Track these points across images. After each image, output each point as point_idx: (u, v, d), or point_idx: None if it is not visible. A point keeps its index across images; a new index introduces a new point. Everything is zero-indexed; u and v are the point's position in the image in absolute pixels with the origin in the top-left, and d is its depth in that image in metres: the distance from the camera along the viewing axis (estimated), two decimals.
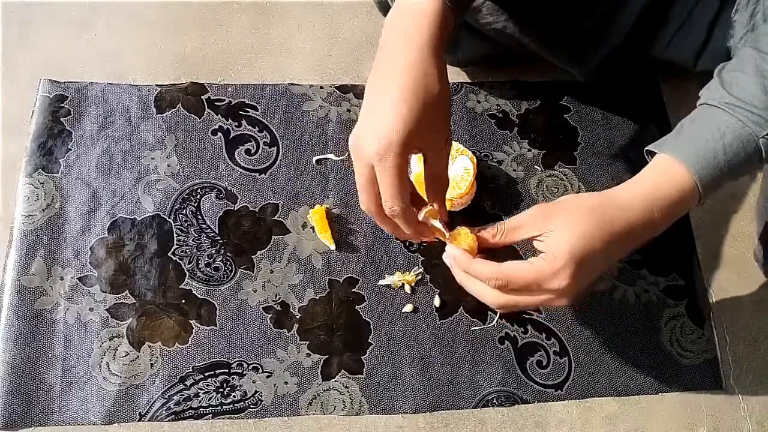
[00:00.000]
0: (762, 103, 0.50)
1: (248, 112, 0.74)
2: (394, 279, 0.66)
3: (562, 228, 0.49)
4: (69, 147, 0.70)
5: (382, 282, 0.66)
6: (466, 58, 0.76)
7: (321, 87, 0.75)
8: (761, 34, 0.55)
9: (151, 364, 0.62)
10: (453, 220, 0.69)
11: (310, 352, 0.64)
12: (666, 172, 0.51)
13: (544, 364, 0.65)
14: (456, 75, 0.79)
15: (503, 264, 0.50)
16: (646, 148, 0.54)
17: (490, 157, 0.74)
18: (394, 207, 0.49)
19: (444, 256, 0.53)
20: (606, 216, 0.50)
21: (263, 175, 0.71)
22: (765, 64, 0.51)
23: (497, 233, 0.52)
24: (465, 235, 0.53)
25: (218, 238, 0.67)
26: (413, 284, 0.67)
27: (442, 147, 0.52)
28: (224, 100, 0.74)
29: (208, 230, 0.68)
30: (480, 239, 0.52)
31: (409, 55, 0.49)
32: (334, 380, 0.63)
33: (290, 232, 0.68)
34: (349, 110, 0.74)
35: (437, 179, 0.54)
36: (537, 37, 0.68)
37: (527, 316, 0.67)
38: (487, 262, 0.51)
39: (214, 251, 0.67)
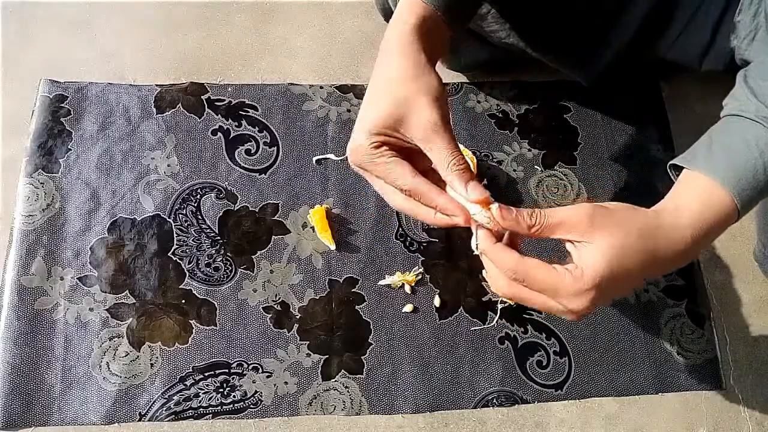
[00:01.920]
0: None
1: (248, 112, 0.74)
2: (394, 279, 0.66)
3: (603, 244, 0.45)
4: (69, 147, 0.70)
5: (382, 282, 0.66)
6: (469, 62, 0.76)
7: (321, 87, 0.76)
8: None
9: (151, 364, 0.62)
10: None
11: (310, 352, 0.64)
12: (709, 198, 0.47)
13: (544, 364, 0.65)
14: (456, 75, 0.79)
15: (525, 260, 0.46)
16: (671, 162, 0.51)
17: (490, 157, 0.74)
18: (403, 186, 0.47)
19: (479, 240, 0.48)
20: (654, 242, 0.46)
21: (263, 175, 0.71)
22: None
23: (535, 224, 0.46)
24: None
25: (218, 238, 0.67)
26: (413, 284, 0.67)
27: (425, 115, 0.47)
28: (224, 100, 0.74)
29: (208, 230, 0.68)
30: (515, 225, 0.47)
31: (390, 38, 0.49)
32: (334, 380, 0.63)
33: (290, 232, 0.68)
34: (349, 110, 0.74)
35: (429, 146, 0.48)
36: (542, 44, 0.68)
37: (527, 316, 0.67)
38: (509, 251, 0.47)
39: (214, 251, 0.67)
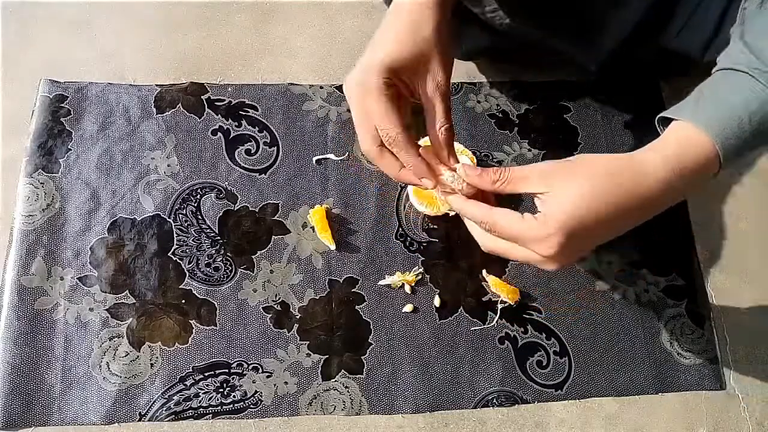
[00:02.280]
0: None
1: (248, 112, 0.74)
2: (394, 279, 0.66)
3: (565, 191, 0.46)
4: (69, 147, 0.70)
5: (382, 282, 0.66)
6: (470, 49, 0.76)
7: (321, 87, 0.75)
8: None
9: (151, 364, 0.62)
10: (453, 220, 0.69)
11: (310, 352, 0.64)
12: (688, 141, 0.47)
13: (544, 364, 0.65)
14: (456, 75, 0.78)
15: (495, 209, 0.48)
16: (659, 116, 0.50)
17: (490, 157, 0.74)
18: (390, 133, 0.48)
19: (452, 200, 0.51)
20: (624, 183, 0.46)
21: (263, 175, 0.71)
22: None
23: (498, 179, 0.48)
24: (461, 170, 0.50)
25: (218, 238, 0.67)
26: (413, 284, 0.67)
27: (439, 74, 0.50)
28: (224, 100, 0.74)
29: (208, 230, 0.68)
30: (479, 180, 0.49)
31: (421, 12, 0.49)
32: (334, 380, 0.63)
33: (290, 232, 0.68)
34: (349, 110, 0.74)
35: (431, 107, 0.51)
36: (543, 25, 0.67)
37: (527, 317, 0.67)
38: (479, 204, 0.49)
39: (214, 251, 0.67)
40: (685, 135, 0.47)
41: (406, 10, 0.49)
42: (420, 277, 0.67)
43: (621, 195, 0.46)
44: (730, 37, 0.60)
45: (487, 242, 0.50)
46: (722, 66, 0.50)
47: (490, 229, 0.48)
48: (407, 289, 0.67)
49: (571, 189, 0.46)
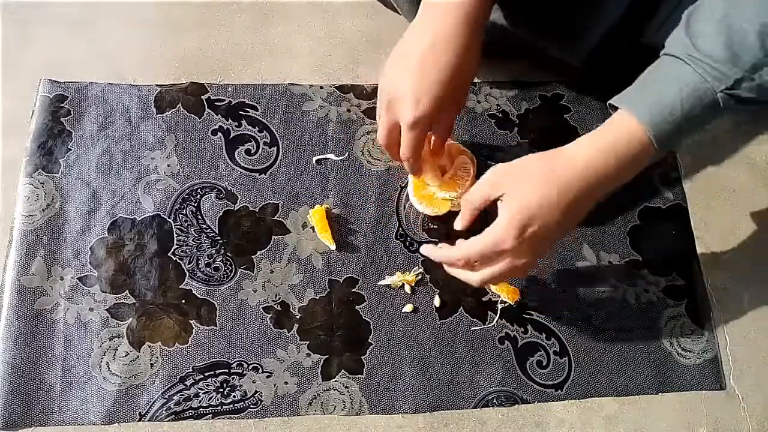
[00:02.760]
0: (723, 57, 0.48)
1: (248, 112, 0.74)
2: (394, 279, 0.66)
3: (510, 192, 0.53)
4: (69, 147, 0.70)
5: (382, 282, 0.67)
6: None
7: (321, 87, 0.75)
8: None
9: (151, 364, 0.62)
10: (453, 220, 0.69)
11: (310, 352, 0.64)
12: (622, 128, 0.51)
13: (544, 364, 0.65)
14: None
15: (460, 243, 0.56)
16: (609, 102, 0.54)
17: (490, 157, 0.74)
18: (410, 158, 0.60)
19: (421, 249, 0.61)
20: (557, 175, 0.52)
21: (263, 175, 0.71)
22: (733, 15, 0.49)
23: (460, 205, 0.58)
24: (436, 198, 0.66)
25: (218, 238, 0.67)
26: (413, 284, 0.67)
27: (454, 117, 0.63)
28: (224, 100, 0.74)
29: (208, 230, 0.68)
30: (446, 253, 0.58)
31: (455, 36, 0.55)
32: (334, 380, 0.63)
33: (290, 232, 0.68)
34: (349, 110, 0.74)
35: (438, 139, 0.64)
36: (528, 21, 0.68)
37: (527, 317, 0.67)
38: (447, 246, 0.57)
39: (214, 251, 0.67)
40: (619, 123, 0.52)
41: (453, 36, 0.55)
42: (420, 277, 0.67)
43: (558, 186, 0.52)
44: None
45: (472, 276, 0.56)
46: (666, 51, 0.52)
47: (466, 260, 0.55)
48: (407, 289, 0.67)
49: (515, 187, 0.53)
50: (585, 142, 0.53)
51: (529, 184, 0.53)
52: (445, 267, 0.59)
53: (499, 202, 0.54)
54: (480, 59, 0.58)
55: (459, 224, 0.59)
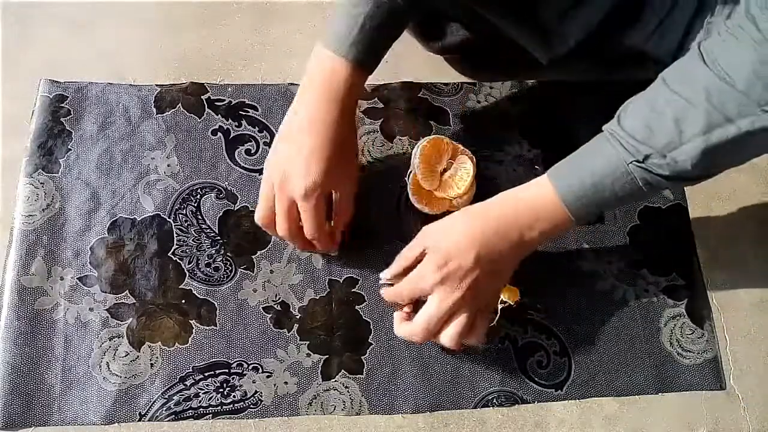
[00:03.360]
0: (641, 134, 0.52)
1: (248, 112, 0.74)
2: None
3: (432, 241, 0.58)
4: (69, 147, 0.70)
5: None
6: (446, 45, 0.76)
7: None
8: (674, 64, 0.55)
9: (151, 364, 0.62)
10: None
11: (310, 352, 0.64)
12: (537, 189, 0.57)
13: (544, 364, 0.65)
14: (456, 75, 0.79)
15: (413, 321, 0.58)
16: (549, 170, 0.58)
17: (490, 157, 0.74)
18: (315, 234, 0.60)
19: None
20: (471, 221, 0.57)
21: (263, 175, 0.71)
22: (659, 95, 0.53)
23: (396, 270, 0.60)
24: None
25: (218, 238, 0.67)
26: None
27: (350, 188, 0.63)
28: (224, 100, 0.74)
29: (208, 230, 0.68)
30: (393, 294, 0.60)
31: (330, 110, 0.59)
32: (334, 380, 0.63)
33: None
34: None
35: (343, 210, 0.63)
36: (505, 11, 0.67)
37: (527, 317, 0.67)
38: (407, 323, 0.59)
39: (214, 251, 0.67)
40: (539, 184, 0.57)
41: (329, 122, 0.59)
42: None
43: (467, 219, 0.58)
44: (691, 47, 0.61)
45: (412, 326, 0.58)
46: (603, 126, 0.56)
47: (402, 299, 0.59)
48: None
49: (438, 235, 0.58)
50: (502, 197, 0.58)
51: (448, 231, 0.58)
52: (395, 328, 0.61)
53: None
54: (356, 131, 0.63)
55: (386, 273, 0.61)
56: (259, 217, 0.62)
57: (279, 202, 0.60)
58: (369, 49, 0.59)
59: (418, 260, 0.58)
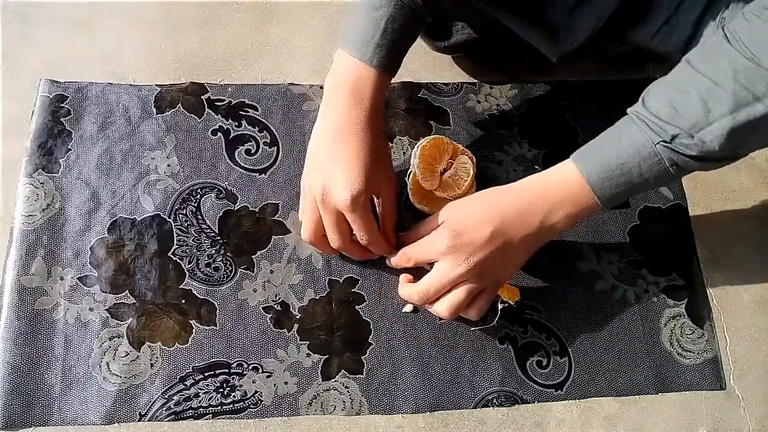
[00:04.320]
0: (666, 115, 0.52)
1: (248, 112, 0.74)
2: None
3: (449, 211, 0.59)
4: (69, 147, 0.70)
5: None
6: (452, 44, 0.76)
7: (321, 87, 0.75)
8: (699, 46, 0.56)
9: (151, 364, 0.62)
10: None
11: (310, 352, 0.64)
12: (563, 172, 0.57)
13: (544, 364, 0.65)
14: (456, 75, 0.79)
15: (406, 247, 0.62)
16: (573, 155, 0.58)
17: (490, 157, 0.74)
18: (370, 239, 0.60)
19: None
20: (489, 195, 0.59)
21: (263, 175, 0.71)
22: (683, 76, 0.53)
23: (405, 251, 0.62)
24: None
25: (218, 238, 0.67)
26: None
27: (390, 189, 0.63)
28: (224, 100, 0.74)
29: (208, 230, 0.68)
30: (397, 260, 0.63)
31: (359, 118, 0.59)
32: (334, 380, 0.63)
33: (290, 232, 0.68)
34: None
35: (388, 212, 0.64)
36: (511, 10, 0.68)
37: (527, 317, 0.67)
38: (408, 284, 0.62)
39: (214, 251, 0.67)
40: (565, 167, 0.57)
41: (360, 129, 0.59)
42: None
43: (484, 200, 0.58)
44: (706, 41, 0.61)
45: (411, 289, 0.60)
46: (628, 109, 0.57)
47: (409, 261, 0.61)
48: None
49: (455, 208, 0.59)
50: (526, 180, 0.59)
51: (468, 207, 0.59)
52: (399, 287, 0.64)
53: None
54: (385, 134, 0.63)
55: (401, 235, 0.64)
56: (307, 236, 0.63)
57: (326, 216, 0.60)
58: (392, 53, 0.59)
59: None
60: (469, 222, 0.56)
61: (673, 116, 0.51)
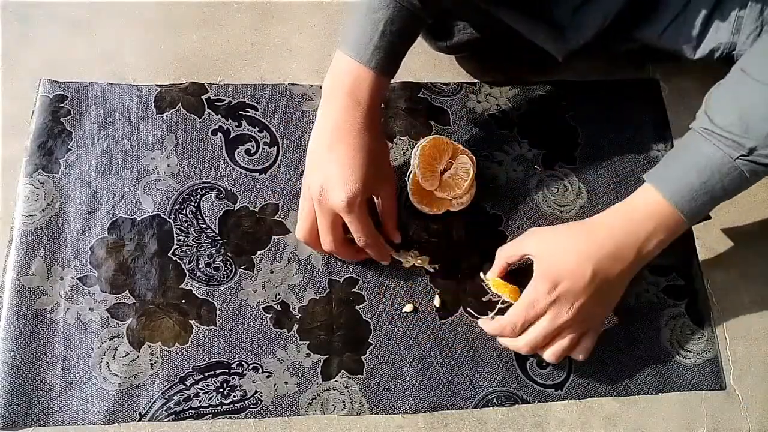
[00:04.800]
0: (738, 128, 0.52)
1: (248, 112, 0.74)
2: (408, 260, 0.67)
3: (540, 255, 0.58)
4: (69, 147, 0.70)
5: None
6: (453, 44, 0.75)
7: (321, 87, 0.75)
8: (751, 54, 0.56)
9: (151, 364, 0.62)
10: (453, 220, 0.69)
11: (310, 352, 0.64)
12: (648, 201, 0.56)
13: (544, 364, 0.65)
14: (456, 75, 0.79)
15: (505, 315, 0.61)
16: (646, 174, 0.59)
17: (490, 157, 0.74)
18: (367, 240, 0.61)
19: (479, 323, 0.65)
20: (577, 235, 0.58)
21: (263, 175, 0.71)
22: (744, 87, 0.54)
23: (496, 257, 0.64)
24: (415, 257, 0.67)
25: (218, 238, 0.67)
26: (423, 267, 0.67)
27: (390, 190, 0.63)
28: (224, 100, 0.74)
29: (208, 230, 0.68)
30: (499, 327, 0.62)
31: (356, 119, 0.59)
32: (334, 380, 0.63)
33: (290, 232, 0.68)
34: None
35: (388, 212, 0.64)
36: (517, 17, 0.67)
37: None
38: (495, 320, 0.62)
39: (214, 251, 0.67)
40: (643, 194, 0.57)
41: (357, 130, 0.59)
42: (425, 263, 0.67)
43: (577, 241, 0.57)
44: (719, 39, 0.61)
45: (518, 342, 0.60)
46: (691, 126, 0.57)
47: (512, 326, 0.59)
48: (410, 263, 0.67)
49: (546, 250, 0.58)
50: (611, 213, 0.58)
51: (559, 246, 0.58)
52: (498, 339, 0.63)
53: (533, 259, 0.60)
54: (383, 134, 0.63)
55: (490, 274, 0.65)
56: (301, 235, 0.63)
57: (321, 216, 0.60)
58: (390, 55, 0.59)
59: (519, 262, 0.62)
60: (564, 267, 0.56)
61: (746, 129, 0.52)
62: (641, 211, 0.57)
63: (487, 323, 0.62)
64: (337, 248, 0.62)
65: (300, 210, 0.63)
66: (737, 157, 0.53)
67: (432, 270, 0.67)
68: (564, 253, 0.57)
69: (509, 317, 0.59)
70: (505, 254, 0.63)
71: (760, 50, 0.55)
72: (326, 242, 0.61)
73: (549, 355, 0.60)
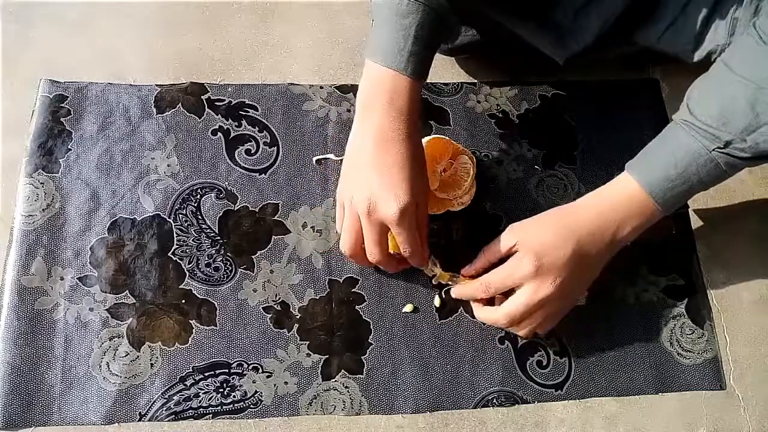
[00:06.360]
0: (716, 121, 0.53)
1: (248, 112, 0.74)
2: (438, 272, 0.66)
3: (524, 236, 0.60)
4: (69, 147, 0.70)
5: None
6: (454, 46, 0.75)
7: (321, 87, 0.75)
8: (735, 48, 0.57)
9: (151, 364, 0.62)
10: (453, 220, 0.69)
11: (310, 352, 0.64)
12: (625, 188, 0.58)
13: (544, 364, 0.65)
14: (456, 75, 0.79)
15: (482, 276, 0.62)
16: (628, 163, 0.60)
17: (490, 157, 0.74)
18: (413, 251, 0.59)
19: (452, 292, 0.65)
20: (556, 216, 0.60)
21: (263, 175, 0.71)
22: (726, 81, 0.54)
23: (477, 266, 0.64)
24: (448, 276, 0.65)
25: (218, 238, 0.67)
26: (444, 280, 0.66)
27: (426, 199, 0.62)
28: (224, 100, 0.74)
29: (208, 230, 0.68)
30: (471, 290, 0.63)
31: (399, 128, 0.58)
32: (334, 380, 0.63)
33: (290, 232, 0.68)
34: (349, 110, 0.74)
35: (423, 224, 0.62)
36: (517, 13, 0.68)
37: None
38: (469, 282, 0.63)
39: (214, 251, 0.67)
40: (621, 182, 0.59)
41: (401, 140, 0.58)
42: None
43: (558, 222, 0.59)
44: (716, 41, 0.62)
45: (496, 313, 0.61)
46: (674, 116, 0.58)
47: (488, 290, 0.60)
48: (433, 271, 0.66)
49: (523, 228, 0.60)
50: (591, 197, 0.60)
51: (540, 229, 0.59)
52: (474, 310, 0.64)
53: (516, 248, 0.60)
54: (421, 145, 0.61)
55: (470, 268, 0.64)
56: (347, 250, 0.61)
57: (370, 230, 0.58)
58: (424, 59, 0.59)
59: (505, 256, 0.61)
60: (547, 243, 0.57)
61: (724, 123, 0.53)
62: (618, 196, 0.58)
63: (459, 286, 0.64)
64: (383, 260, 0.60)
65: (343, 225, 0.61)
66: (713, 149, 0.54)
67: (451, 284, 0.66)
68: (546, 232, 0.59)
69: (485, 277, 0.61)
70: (490, 253, 0.62)
71: (744, 45, 0.55)
72: (374, 255, 0.60)
73: (524, 330, 0.61)
